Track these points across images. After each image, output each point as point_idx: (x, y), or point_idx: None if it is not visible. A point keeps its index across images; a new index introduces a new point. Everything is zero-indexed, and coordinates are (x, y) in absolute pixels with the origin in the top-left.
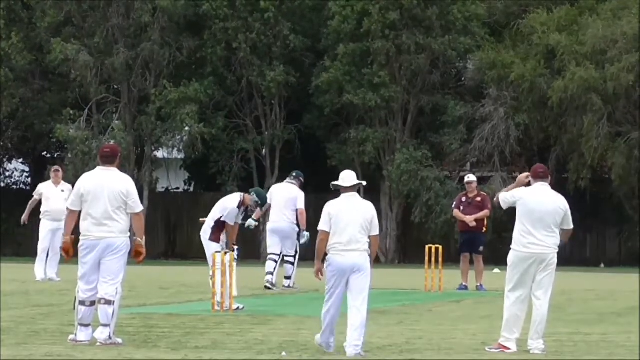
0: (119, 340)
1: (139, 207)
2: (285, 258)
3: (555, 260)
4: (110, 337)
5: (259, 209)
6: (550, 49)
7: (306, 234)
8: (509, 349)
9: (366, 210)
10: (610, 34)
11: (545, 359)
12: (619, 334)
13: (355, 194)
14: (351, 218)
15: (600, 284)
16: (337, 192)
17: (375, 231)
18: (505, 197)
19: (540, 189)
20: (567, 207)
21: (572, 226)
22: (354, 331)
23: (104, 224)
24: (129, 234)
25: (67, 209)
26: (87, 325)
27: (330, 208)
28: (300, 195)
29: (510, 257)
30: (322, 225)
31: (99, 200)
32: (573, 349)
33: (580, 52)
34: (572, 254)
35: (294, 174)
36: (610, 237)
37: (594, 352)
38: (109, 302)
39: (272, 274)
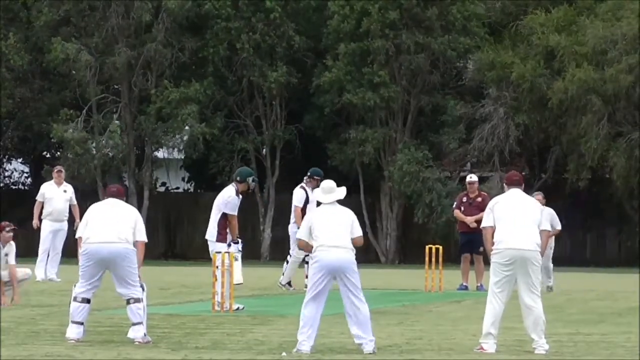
0: (150, 339)
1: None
2: (293, 258)
3: (539, 258)
4: (145, 335)
5: (253, 183)
6: (549, 50)
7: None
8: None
9: (345, 216)
10: (610, 34)
11: (545, 359)
12: (619, 334)
13: (334, 203)
14: (332, 221)
15: (600, 284)
16: None
17: (357, 233)
18: (485, 220)
19: (515, 193)
20: (542, 208)
21: (548, 228)
22: (365, 327)
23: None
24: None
25: None
26: (78, 323)
27: (311, 218)
28: (295, 194)
29: (493, 258)
30: (300, 234)
31: None
32: (573, 349)
33: (580, 53)
34: (572, 254)
35: (309, 173)
36: (610, 237)
37: (594, 352)
38: (138, 300)
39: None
